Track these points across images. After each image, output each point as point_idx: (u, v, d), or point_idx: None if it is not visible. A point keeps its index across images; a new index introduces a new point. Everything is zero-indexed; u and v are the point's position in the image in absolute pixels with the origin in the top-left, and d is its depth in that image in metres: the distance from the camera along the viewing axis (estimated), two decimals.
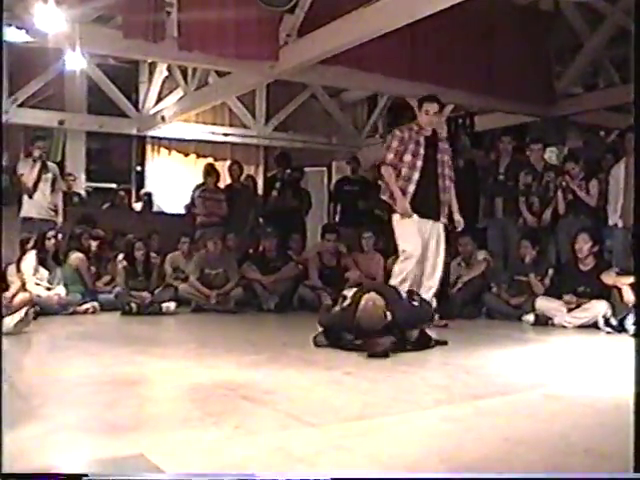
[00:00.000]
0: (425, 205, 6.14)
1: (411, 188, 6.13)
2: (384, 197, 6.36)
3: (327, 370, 4.02)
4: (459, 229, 6.50)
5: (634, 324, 5.40)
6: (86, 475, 2.03)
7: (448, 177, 6.31)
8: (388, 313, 4.54)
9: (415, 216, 6.10)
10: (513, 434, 2.67)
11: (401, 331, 4.63)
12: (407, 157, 6.15)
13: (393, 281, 5.97)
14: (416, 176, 6.13)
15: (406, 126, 6.37)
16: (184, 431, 2.67)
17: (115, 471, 2.17)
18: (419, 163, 6.14)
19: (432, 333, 5.01)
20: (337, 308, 4.97)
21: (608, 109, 10.27)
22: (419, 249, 6.03)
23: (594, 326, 6.16)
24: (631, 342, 5.25)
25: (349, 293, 4.96)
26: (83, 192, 11.70)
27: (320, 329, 4.94)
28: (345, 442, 2.50)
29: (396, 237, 6.23)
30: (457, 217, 6.37)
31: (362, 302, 4.59)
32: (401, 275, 5.97)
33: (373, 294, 4.65)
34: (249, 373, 3.89)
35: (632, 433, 2.11)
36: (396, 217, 6.17)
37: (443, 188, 6.26)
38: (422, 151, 6.17)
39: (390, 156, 6.20)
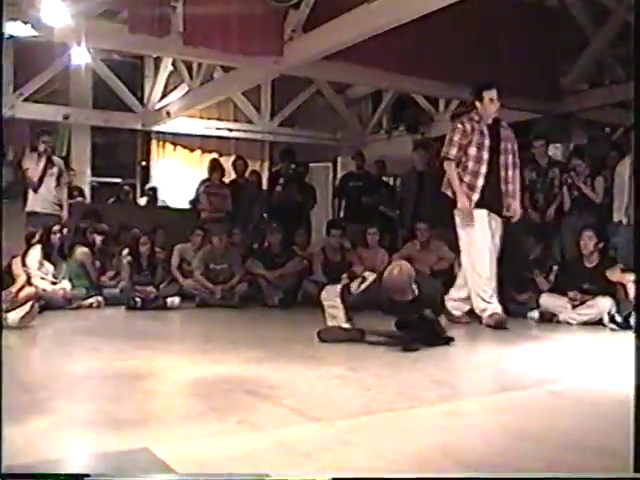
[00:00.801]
0: (492, 199, 5.97)
1: (480, 182, 5.93)
2: (447, 192, 6.13)
3: (331, 365, 4.02)
4: (514, 219, 6.22)
5: (635, 322, 5.36)
6: (88, 475, 2.03)
7: (512, 166, 6.06)
8: (414, 286, 4.59)
9: (484, 210, 5.94)
10: (517, 430, 2.67)
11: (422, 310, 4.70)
12: (472, 150, 5.94)
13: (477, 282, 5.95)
14: (484, 169, 5.94)
15: (466, 116, 6.13)
16: (188, 425, 2.68)
17: (120, 464, 2.18)
18: (485, 155, 5.94)
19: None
20: (359, 288, 4.93)
21: (613, 106, 10.24)
22: (488, 242, 5.91)
23: (599, 323, 6.15)
24: (630, 338, 5.23)
25: (370, 276, 4.97)
26: (87, 187, 11.72)
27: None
28: (349, 437, 2.51)
29: (459, 232, 6.12)
30: (515, 206, 6.13)
31: (388, 269, 4.66)
32: (483, 273, 5.92)
33: (401, 261, 4.74)
34: (253, 368, 3.89)
35: (632, 433, 2.11)
36: (459, 213, 6.03)
37: (505, 179, 6.04)
38: (487, 142, 5.96)
39: (453, 150, 5.96)
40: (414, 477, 2.13)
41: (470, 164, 5.93)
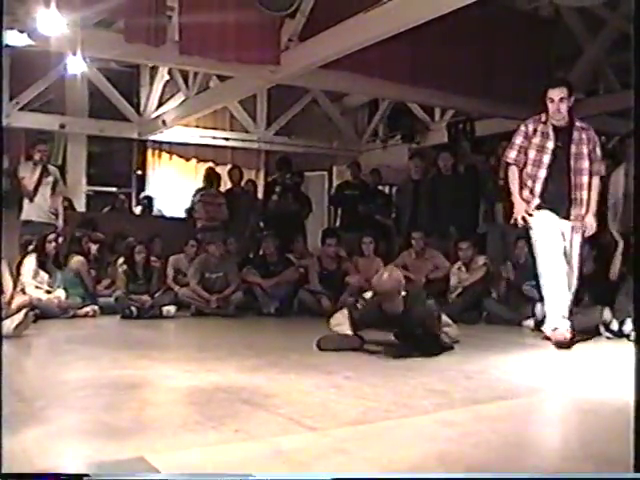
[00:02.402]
0: (556, 204, 5.49)
1: (538, 187, 5.50)
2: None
3: (327, 374, 4.02)
4: (587, 234, 5.57)
5: (633, 326, 5.36)
6: (87, 475, 2.03)
7: (586, 172, 5.47)
8: (403, 293, 4.74)
9: (546, 212, 5.48)
10: (513, 439, 2.67)
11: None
12: (532, 153, 5.53)
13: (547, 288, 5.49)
14: (542, 174, 5.49)
15: (533, 118, 5.68)
16: (184, 435, 2.67)
17: (115, 473, 2.17)
18: (546, 159, 5.48)
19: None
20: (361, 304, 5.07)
21: (609, 114, 10.28)
22: (555, 244, 5.43)
23: (595, 331, 6.15)
24: (631, 347, 5.25)
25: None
26: (82, 196, 11.73)
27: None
28: (345, 446, 2.50)
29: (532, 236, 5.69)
30: (589, 220, 5.50)
31: (378, 273, 4.87)
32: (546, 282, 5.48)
33: (392, 267, 4.81)
34: (249, 377, 3.89)
35: (632, 433, 2.11)
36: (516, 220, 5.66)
37: (575, 185, 5.47)
38: (550, 144, 5.48)
39: (513, 154, 5.61)
40: (414, 477, 2.13)
41: (529, 168, 5.56)
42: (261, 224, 10.24)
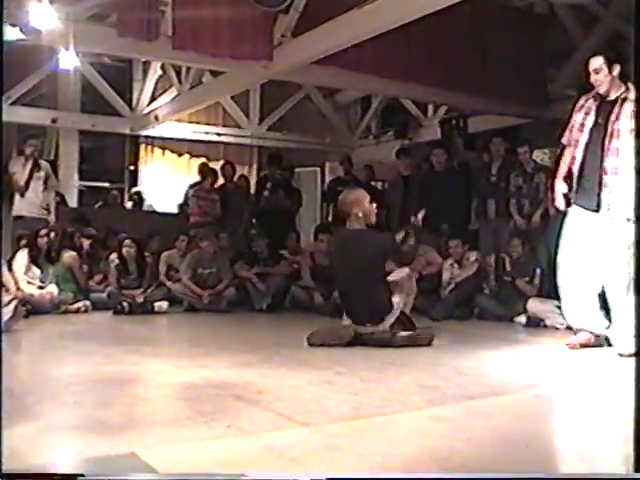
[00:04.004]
0: (586, 193, 4.82)
1: (575, 171, 4.86)
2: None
3: (319, 370, 4.02)
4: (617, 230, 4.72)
5: (635, 325, 5.16)
6: (82, 475, 2.02)
7: (619, 152, 4.63)
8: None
9: (575, 208, 4.89)
10: (505, 435, 2.68)
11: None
12: (574, 132, 4.91)
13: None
14: (579, 154, 4.83)
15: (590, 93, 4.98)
16: (176, 430, 2.67)
17: (107, 470, 2.16)
18: (583, 138, 4.82)
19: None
20: None
21: None
22: (569, 254, 4.91)
23: None
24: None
25: None
26: (74, 191, 11.69)
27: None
28: (337, 442, 2.50)
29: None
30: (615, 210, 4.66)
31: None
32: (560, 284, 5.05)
33: None
34: (241, 373, 3.88)
35: (632, 433, 2.11)
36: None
37: (606, 169, 4.69)
38: (589, 122, 4.83)
39: (565, 134, 5.01)
40: (414, 477, 2.13)
41: (570, 149, 4.96)
42: (254, 220, 10.23)
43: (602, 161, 4.70)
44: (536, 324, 6.59)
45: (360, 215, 5.25)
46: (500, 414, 3.05)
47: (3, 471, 2.06)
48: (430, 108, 12.18)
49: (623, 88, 4.75)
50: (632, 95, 4.66)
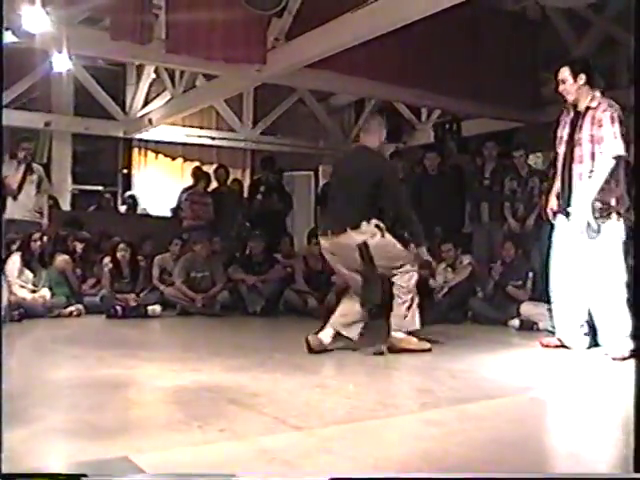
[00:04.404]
0: (563, 202, 4.94)
1: (556, 183, 5.01)
2: None
3: (313, 374, 4.02)
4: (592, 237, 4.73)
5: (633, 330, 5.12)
6: (85, 475, 2.02)
7: (584, 158, 4.76)
8: None
9: (561, 217, 4.99)
10: (498, 438, 2.68)
11: None
12: (557, 146, 5.04)
13: None
14: (559, 167, 4.96)
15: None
16: (169, 434, 2.67)
17: (99, 473, 2.16)
18: (561, 149, 4.96)
19: None
20: None
21: None
22: (555, 265, 5.05)
23: None
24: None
25: None
26: (67, 194, 11.66)
27: None
28: (331, 445, 2.50)
29: None
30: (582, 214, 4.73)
31: None
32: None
33: None
34: (235, 376, 3.88)
35: (632, 433, 2.11)
36: None
37: (573, 177, 4.83)
38: (565, 134, 4.96)
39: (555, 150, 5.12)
40: (414, 477, 2.13)
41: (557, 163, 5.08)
42: (247, 223, 10.22)
43: (571, 170, 4.85)
44: (529, 327, 6.59)
45: None
46: (494, 417, 3.05)
47: (3, 471, 2.05)
48: (424, 111, 12.21)
49: (590, 97, 4.85)
50: (594, 103, 4.80)
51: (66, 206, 11.33)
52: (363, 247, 4.73)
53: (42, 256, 7.57)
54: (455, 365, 4.38)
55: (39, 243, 7.52)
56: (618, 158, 4.67)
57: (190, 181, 10.53)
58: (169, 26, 7.51)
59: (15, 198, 8.13)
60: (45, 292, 7.27)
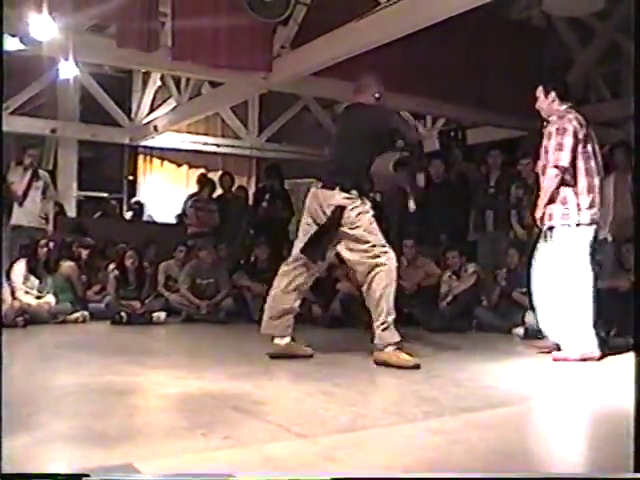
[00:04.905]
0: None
1: None
2: None
3: (317, 381, 4.01)
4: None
5: (634, 331, 5.18)
6: (87, 475, 2.02)
7: (545, 169, 5.13)
8: None
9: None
10: (502, 447, 2.67)
11: None
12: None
13: None
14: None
15: None
16: (173, 441, 2.67)
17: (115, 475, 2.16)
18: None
19: None
20: None
21: (599, 124, 10.32)
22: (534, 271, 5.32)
23: None
24: (614, 355, 5.29)
25: None
26: (73, 201, 11.70)
27: None
28: (335, 453, 2.50)
29: None
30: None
31: None
32: None
33: None
34: (239, 384, 3.88)
35: (632, 433, 2.11)
36: None
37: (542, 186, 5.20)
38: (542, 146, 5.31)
39: None
40: (414, 477, 2.13)
41: None
42: (252, 231, 10.23)
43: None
44: (534, 336, 6.57)
45: None
46: (498, 427, 3.05)
47: (3, 472, 2.05)
48: (428, 119, 12.21)
49: (557, 112, 5.22)
50: (554, 118, 5.19)
51: (72, 212, 11.36)
52: (337, 212, 4.71)
53: (47, 262, 7.59)
54: (459, 374, 4.38)
55: (45, 249, 7.54)
56: (563, 168, 4.99)
57: (195, 188, 10.55)
58: (175, 34, 7.55)
59: (21, 204, 8.16)
60: (50, 298, 7.29)
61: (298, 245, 4.96)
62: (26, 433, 2.66)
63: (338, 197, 4.72)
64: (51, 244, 7.69)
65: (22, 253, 7.44)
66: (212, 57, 7.71)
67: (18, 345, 5.55)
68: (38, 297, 7.24)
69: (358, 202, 4.80)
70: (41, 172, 8.59)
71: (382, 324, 4.61)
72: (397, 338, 4.62)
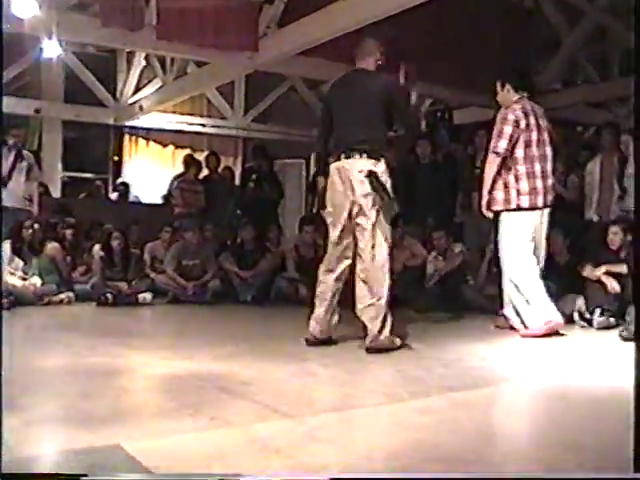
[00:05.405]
0: None
1: None
2: None
3: (304, 362, 4.02)
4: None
5: (635, 322, 5.21)
6: (85, 475, 2.02)
7: (490, 153, 5.38)
8: None
9: None
10: (489, 427, 2.70)
11: None
12: None
13: None
14: None
15: None
16: (160, 422, 2.67)
17: (92, 461, 2.15)
18: None
19: None
20: None
21: (586, 105, 10.37)
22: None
23: (570, 320, 6.19)
24: (599, 336, 5.34)
25: None
26: (58, 181, 11.62)
27: None
28: (322, 433, 2.51)
29: None
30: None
31: None
32: None
33: None
34: (226, 365, 3.88)
35: (632, 433, 2.12)
36: None
37: None
38: None
39: None
40: (414, 477, 2.13)
41: None
42: (238, 211, 10.20)
43: None
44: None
45: None
46: (484, 406, 3.07)
47: (3, 471, 2.05)
48: (414, 99, 12.17)
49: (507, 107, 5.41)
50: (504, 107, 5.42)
51: (57, 193, 11.28)
52: (373, 176, 4.51)
53: (32, 244, 7.54)
54: (446, 354, 4.40)
55: (30, 231, 7.49)
56: (501, 154, 5.24)
57: (181, 168, 10.49)
58: (160, 12, 7.47)
59: (5, 185, 8.09)
60: (35, 280, 7.25)
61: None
62: (13, 415, 2.65)
63: (367, 163, 4.55)
64: (36, 225, 7.64)
65: (7, 234, 7.38)
66: (197, 36, 7.64)
67: (3, 327, 5.52)
68: (23, 278, 7.20)
69: (384, 168, 4.63)
70: (25, 153, 8.51)
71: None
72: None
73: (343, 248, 4.67)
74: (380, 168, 4.58)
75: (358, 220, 4.56)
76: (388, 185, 4.62)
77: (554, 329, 5.16)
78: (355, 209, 4.56)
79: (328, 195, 4.75)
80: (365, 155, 4.56)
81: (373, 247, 4.52)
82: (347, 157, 4.60)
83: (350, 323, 4.77)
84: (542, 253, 5.49)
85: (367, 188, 4.51)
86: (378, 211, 4.54)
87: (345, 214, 4.59)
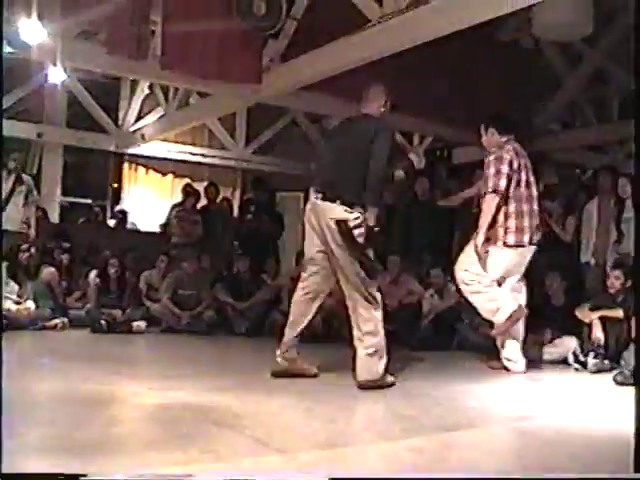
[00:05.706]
0: None
1: None
2: None
3: (297, 396, 3.99)
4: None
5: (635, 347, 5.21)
6: (84, 475, 2.00)
7: (489, 192, 5.46)
8: None
9: None
10: (480, 467, 2.67)
11: None
12: None
13: None
14: None
15: None
16: (149, 453, 2.64)
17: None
18: None
19: None
20: None
21: (584, 148, 10.44)
22: None
23: (564, 362, 6.17)
24: (593, 379, 5.32)
25: None
26: (56, 206, 11.62)
27: None
28: (312, 470, 2.48)
29: None
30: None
31: None
32: None
33: None
34: (218, 397, 3.85)
35: (632, 433, 2.11)
36: None
37: None
38: None
39: None
40: (414, 477, 2.11)
41: None
42: (235, 243, 10.20)
43: None
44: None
45: None
46: (477, 446, 3.04)
47: (3, 471, 2.03)
48: (416, 138, 12.25)
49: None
50: (492, 150, 5.56)
51: (55, 218, 11.27)
52: (344, 225, 4.53)
53: (28, 267, 7.53)
54: (440, 392, 4.37)
55: (26, 254, 7.48)
56: (500, 193, 5.36)
57: (180, 198, 10.51)
58: (165, 42, 7.52)
59: (3, 209, 8.09)
60: (30, 304, 7.22)
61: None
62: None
63: (339, 210, 4.58)
64: (32, 249, 7.63)
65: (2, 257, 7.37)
66: (201, 67, 7.70)
67: None
68: (17, 302, 7.17)
69: (358, 216, 4.62)
70: (25, 177, 8.53)
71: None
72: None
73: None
74: (352, 216, 4.57)
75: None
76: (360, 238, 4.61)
77: (515, 318, 5.34)
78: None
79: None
80: (338, 201, 4.58)
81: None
82: (322, 199, 4.68)
83: (344, 359, 4.75)
84: (524, 289, 5.65)
85: (337, 236, 4.56)
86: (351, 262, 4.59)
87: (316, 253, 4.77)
